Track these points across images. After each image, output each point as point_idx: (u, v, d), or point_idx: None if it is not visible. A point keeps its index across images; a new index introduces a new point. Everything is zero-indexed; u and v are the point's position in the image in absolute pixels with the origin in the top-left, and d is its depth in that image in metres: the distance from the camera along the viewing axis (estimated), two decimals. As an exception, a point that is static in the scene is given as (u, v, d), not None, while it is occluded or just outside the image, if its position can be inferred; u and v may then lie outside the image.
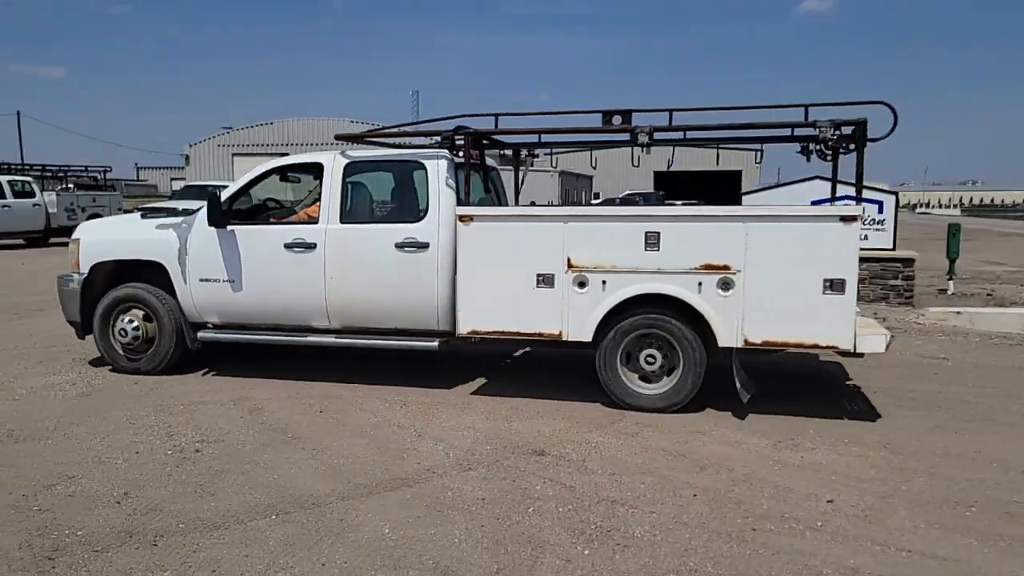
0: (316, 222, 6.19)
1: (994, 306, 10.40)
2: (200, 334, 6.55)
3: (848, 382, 6.54)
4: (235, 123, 53.45)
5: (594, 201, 43.97)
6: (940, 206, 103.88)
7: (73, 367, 6.83)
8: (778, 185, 12.25)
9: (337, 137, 6.71)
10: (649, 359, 5.64)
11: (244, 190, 6.57)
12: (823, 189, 11.29)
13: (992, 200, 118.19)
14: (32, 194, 21.34)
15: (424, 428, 5.19)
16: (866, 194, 11.11)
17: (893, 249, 11.11)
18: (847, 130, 5.54)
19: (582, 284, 5.58)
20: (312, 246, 6.14)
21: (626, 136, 5.91)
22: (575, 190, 55.00)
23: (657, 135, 5.83)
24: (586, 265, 5.56)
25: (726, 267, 5.31)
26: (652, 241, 5.43)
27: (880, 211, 11.12)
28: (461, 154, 6.04)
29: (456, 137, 6.00)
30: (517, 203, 7.68)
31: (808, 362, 7.28)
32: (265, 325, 6.47)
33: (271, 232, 6.33)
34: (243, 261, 6.32)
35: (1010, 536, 3.62)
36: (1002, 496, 4.09)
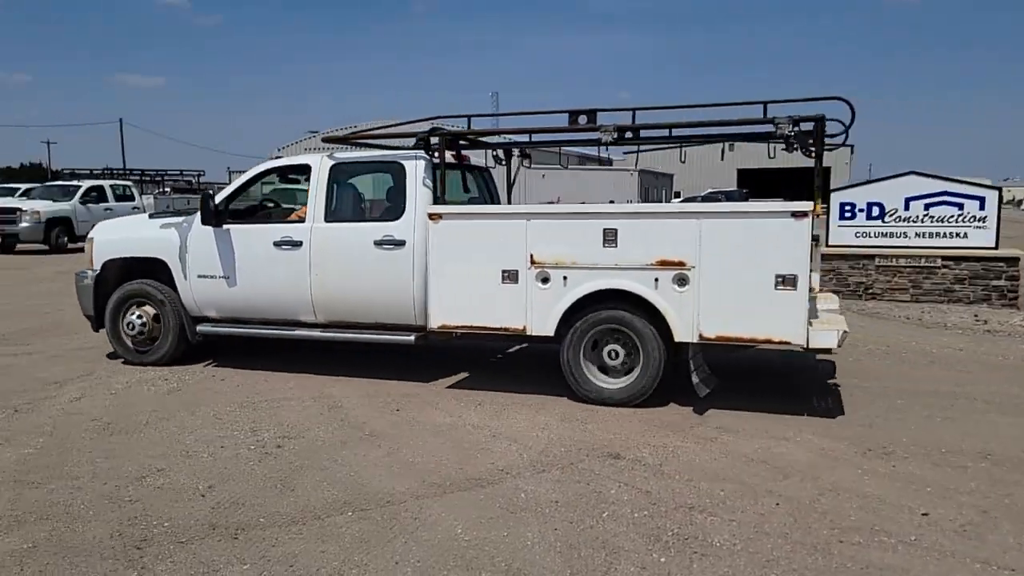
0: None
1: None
2: (199, 328, 6.90)
3: (948, 388, 6.19)
4: (321, 126, 54.93)
5: (675, 200, 43.29)
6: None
7: (168, 364, 7.10)
8: (869, 181, 11.75)
9: (324, 139, 6.88)
10: (612, 354, 5.73)
11: (240, 191, 6.87)
12: (920, 184, 10.80)
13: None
14: (132, 197, 22.48)
15: (498, 428, 5.17)
16: (966, 190, 10.66)
17: (996, 248, 10.51)
18: (806, 126, 5.49)
19: (545, 280, 5.70)
20: (299, 244, 6.42)
21: (593, 135, 6.04)
22: (655, 188, 54.28)
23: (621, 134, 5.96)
24: (548, 261, 5.68)
25: (681, 263, 5.36)
26: (610, 238, 5.51)
27: (981, 208, 10.54)
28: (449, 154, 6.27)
29: (431, 138, 6.18)
30: (509, 201, 7.78)
31: (904, 368, 6.94)
32: (258, 319, 6.78)
33: (262, 231, 6.64)
34: (237, 258, 6.64)
35: None
36: (1119, 514, 3.78)
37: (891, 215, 10.89)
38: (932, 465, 4.45)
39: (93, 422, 5.33)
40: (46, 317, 9.77)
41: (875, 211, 10.99)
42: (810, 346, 5.21)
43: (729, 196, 34.89)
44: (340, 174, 6.56)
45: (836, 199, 11.22)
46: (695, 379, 5.52)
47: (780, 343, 5.29)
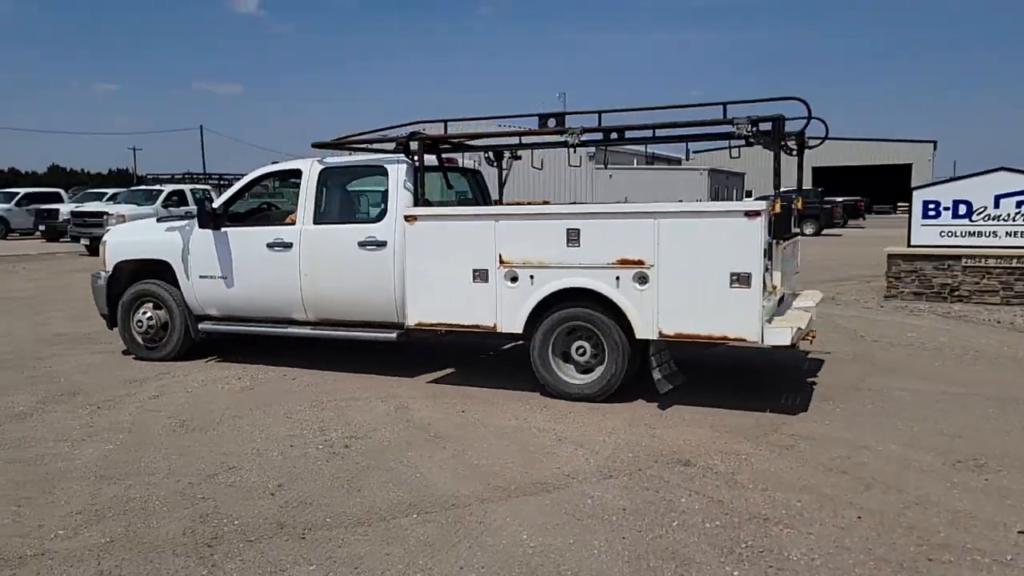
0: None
1: None
2: (201, 326, 7.26)
3: (1041, 396, 5.82)
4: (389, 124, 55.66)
5: (746, 199, 42.33)
6: None
7: (240, 362, 7.27)
8: (956, 178, 11.20)
9: (313, 145, 7.09)
10: (579, 350, 5.85)
11: (238, 195, 7.19)
12: (1011, 181, 10.23)
13: None
14: (210, 200, 23.20)
15: (564, 432, 5.09)
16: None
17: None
18: (765, 126, 5.53)
19: (513, 279, 5.85)
20: (289, 245, 6.70)
21: (561, 137, 6.21)
22: (725, 188, 53.23)
23: (587, 136, 6.18)
24: (516, 261, 5.82)
25: (640, 262, 5.44)
26: (573, 238, 5.63)
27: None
28: (434, 157, 6.61)
29: (411, 143, 6.36)
30: (501, 201, 7.85)
31: (997, 374, 6.56)
32: (255, 317, 7.07)
33: (256, 233, 6.92)
34: (234, 260, 6.96)
35: None
36: None
37: (979, 213, 10.34)
38: (1029, 479, 4.17)
39: (169, 419, 5.48)
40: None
41: (962, 209, 10.46)
42: (765, 343, 5.22)
43: (804, 195, 33.87)
44: (328, 178, 6.81)
45: (919, 197, 10.72)
46: (657, 375, 5.63)
47: (736, 340, 5.32)
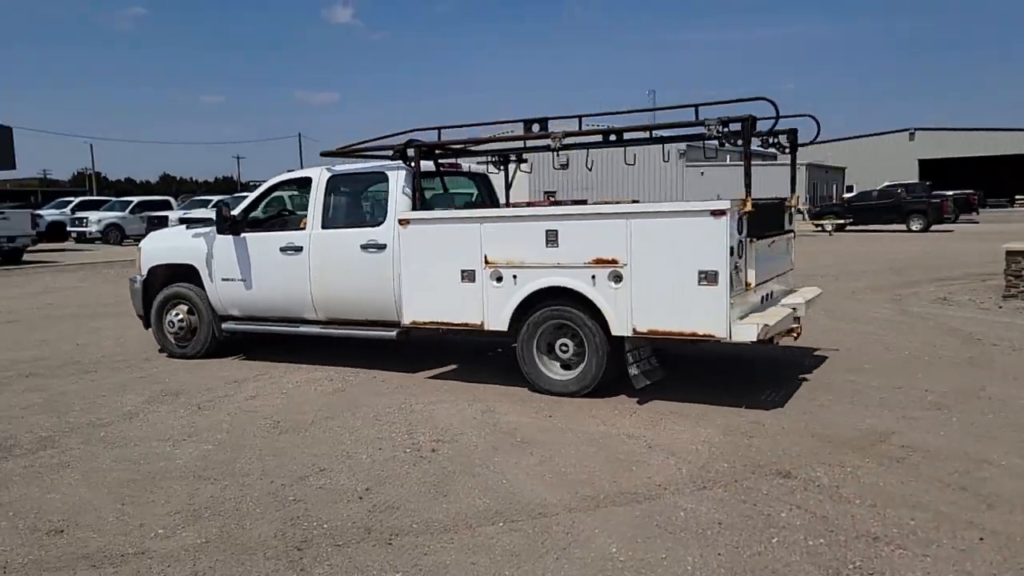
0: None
1: None
2: (224, 325, 7.69)
3: None
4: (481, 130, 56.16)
5: (846, 195, 40.53)
6: None
7: (332, 363, 7.40)
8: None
9: (321, 154, 7.56)
10: (562, 347, 6.03)
11: (256, 203, 7.63)
12: None
13: None
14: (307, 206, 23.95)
15: (655, 439, 4.92)
16: None
17: None
18: (735, 126, 5.62)
19: (498, 279, 6.06)
20: (300, 249, 7.08)
21: (545, 141, 6.48)
22: (825, 183, 51.22)
23: (569, 140, 6.45)
24: (500, 261, 6.04)
25: (614, 261, 5.58)
26: (552, 239, 5.81)
27: None
28: (442, 163, 7.04)
29: (407, 150, 6.60)
30: (508, 204, 7.99)
31: None
32: (272, 317, 7.47)
33: (271, 238, 7.33)
34: (252, 263, 7.37)
35: None
36: None
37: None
38: None
39: (265, 420, 5.61)
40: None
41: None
42: (732, 339, 5.30)
43: (909, 189, 32.15)
44: (336, 185, 7.17)
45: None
46: (633, 371, 5.75)
47: (705, 337, 5.40)
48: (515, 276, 5.99)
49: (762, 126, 5.97)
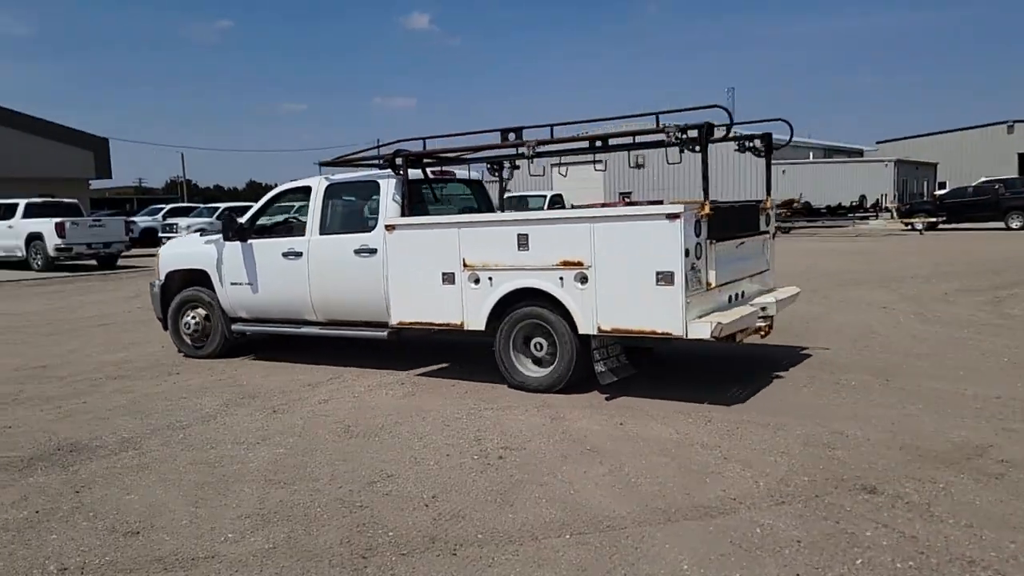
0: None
1: None
2: (233, 326, 8.12)
3: None
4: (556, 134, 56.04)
5: (937, 192, 38.66)
6: None
7: (403, 368, 7.44)
8: None
9: (319, 163, 8.01)
10: (537, 346, 6.31)
11: (262, 211, 8.00)
12: None
13: None
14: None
15: (731, 450, 4.73)
16: None
17: None
18: (692, 133, 5.78)
19: (476, 281, 6.36)
20: (300, 254, 7.48)
21: (520, 150, 6.73)
22: (915, 180, 49.05)
23: (542, 148, 6.65)
24: (477, 264, 6.35)
25: (580, 263, 5.86)
26: (523, 242, 6.10)
27: None
28: (430, 171, 7.36)
29: (396, 159, 6.94)
30: (503, 209, 8.50)
31: None
32: (276, 318, 7.88)
33: (274, 244, 7.71)
34: (257, 268, 7.79)
35: None
36: None
37: None
38: None
39: (336, 424, 5.66)
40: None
41: None
42: (688, 337, 5.50)
43: (1008, 184, 30.41)
44: (333, 193, 7.55)
45: None
46: (600, 368, 5.99)
47: (663, 335, 5.59)
48: (491, 278, 6.30)
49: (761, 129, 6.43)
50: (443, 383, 6.81)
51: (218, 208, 33.80)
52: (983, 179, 33.40)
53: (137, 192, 69.47)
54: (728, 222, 6.13)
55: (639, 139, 6.50)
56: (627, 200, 47.67)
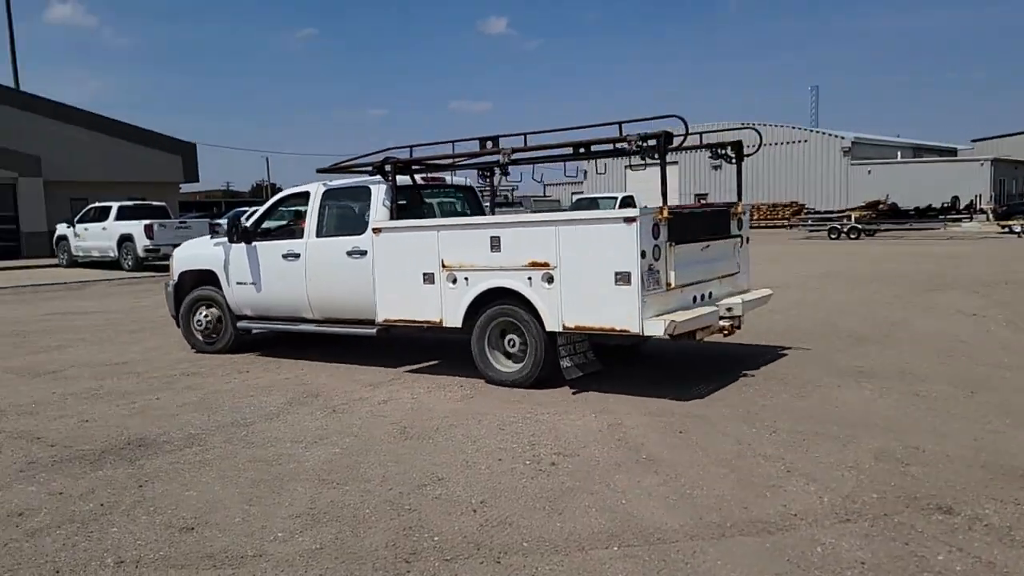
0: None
1: None
2: (239, 324, 8.61)
3: None
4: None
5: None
6: None
7: (463, 371, 7.41)
8: None
9: (317, 170, 8.31)
10: (510, 343, 6.66)
11: (266, 215, 8.51)
12: None
13: None
14: (455, 213, 24.55)
15: (796, 462, 4.51)
16: None
17: None
18: (652, 142, 6.09)
19: (454, 281, 6.73)
20: (298, 256, 7.94)
21: (496, 157, 7.15)
22: (1013, 180, 46.47)
23: (517, 155, 7.10)
24: (454, 265, 6.72)
25: (546, 264, 6.19)
26: (495, 244, 6.45)
27: None
28: (419, 178, 7.83)
29: (385, 166, 7.32)
30: (494, 212, 8.96)
31: None
32: (277, 316, 8.36)
33: (275, 246, 8.18)
34: (260, 269, 8.26)
35: None
36: None
37: None
38: None
39: (392, 425, 5.67)
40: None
41: None
42: (644, 334, 5.80)
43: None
44: (329, 198, 7.99)
45: None
46: (565, 364, 6.33)
47: (621, 331, 5.89)
48: (467, 278, 6.66)
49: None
50: (499, 387, 6.74)
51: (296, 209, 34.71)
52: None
53: (225, 195, 72.03)
54: (691, 226, 6.46)
55: (616, 148, 6.71)
56: (702, 202, 46.82)
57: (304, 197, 8.15)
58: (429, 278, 6.87)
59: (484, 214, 8.64)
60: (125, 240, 22.43)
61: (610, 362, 7.01)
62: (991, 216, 30.39)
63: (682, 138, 6.32)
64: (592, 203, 23.36)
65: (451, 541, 3.67)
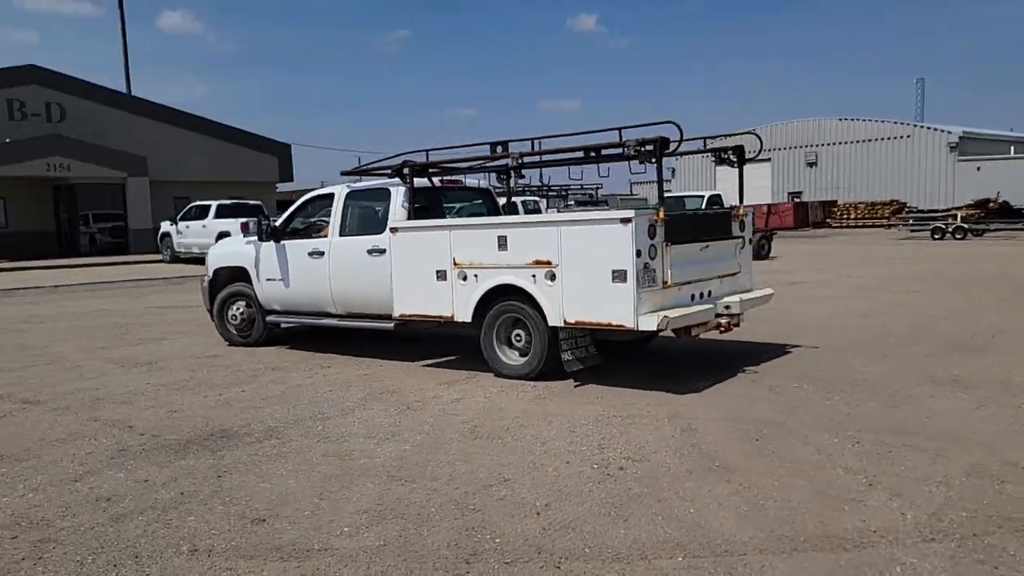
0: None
1: None
2: (268, 318, 9.13)
3: None
4: (720, 134, 54.15)
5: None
6: None
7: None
8: None
9: (342, 173, 8.94)
10: (517, 337, 7.00)
11: (294, 215, 8.98)
12: None
13: None
14: (538, 211, 24.57)
15: (879, 476, 4.28)
16: None
17: None
18: (649, 147, 6.29)
19: (464, 278, 7.10)
20: (323, 254, 8.38)
21: (506, 161, 7.51)
22: None
23: (527, 159, 7.41)
24: (464, 263, 7.08)
25: (549, 262, 6.51)
26: (502, 243, 6.81)
27: None
28: (438, 180, 8.45)
29: (403, 169, 7.69)
30: (508, 212, 9.10)
31: None
32: (303, 311, 8.82)
33: (302, 244, 8.65)
34: (289, 266, 8.72)
35: None
36: None
37: None
38: None
39: (463, 424, 5.69)
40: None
41: None
42: (639, 329, 6.10)
43: None
44: (352, 199, 8.42)
45: None
46: (566, 357, 6.62)
47: (618, 327, 6.19)
48: (476, 275, 7.01)
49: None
50: (573, 388, 6.68)
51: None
52: None
53: (318, 194, 74.31)
54: (689, 227, 6.79)
55: (602, 152, 7.04)
56: (796, 200, 45.25)
57: (329, 198, 8.57)
58: (442, 275, 7.23)
59: (500, 213, 9.00)
60: (223, 237, 23.35)
61: (684, 365, 6.85)
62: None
63: (677, 143, 6.45)
64: (678, 201, 22.86)
65: (512, 543, 3.65)
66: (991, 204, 29.84)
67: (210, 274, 9.75)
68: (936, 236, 27.82)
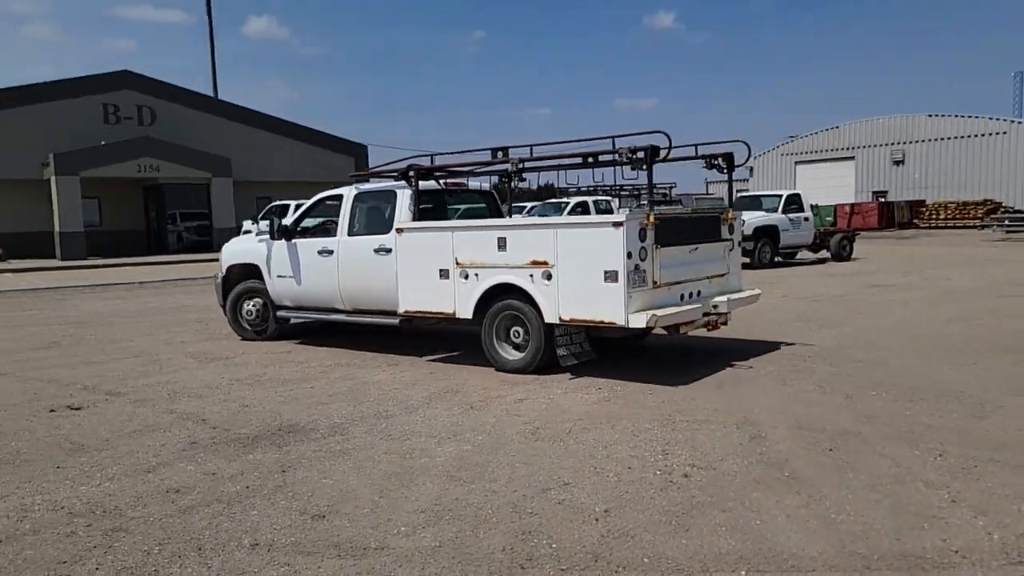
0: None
1: None
2: (279, 313, 9.54)
3: None
4: (800, 131, 52.66)
5: None
6: None
7: (600, 374, 7.27)
8: None
9: (350, 176, 9.40)
10: (515, 334, 7.35)
11: (305, 214, 9.33)
12: None
13: None
14: (610, 211, 24.29)
15: (963, 492, 4.02)
16: None
17: None
18: (640, 154, 6.71)
19: (465, 277, 7.46)
20: (331, 252, 8.75)
21: (506, 165, 7.89)
22: None
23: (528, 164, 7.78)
24: (466, 263, 7.45)
25: (545, 263, 6.86)
26: (502, 244, 7.17)
27: None
28: (444, 182, 8.74)
29: (409, 172, 8.11)
30: (510, 215, 9.73)
31: None
32: (313, 307, 9.19)
33: (312, 243, 9.02)
34: (300, 263, 9.11)
35: None
36: None
37: None
38: None
39: (525, 425, 5.64)
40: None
41: None
42: (629, 326, 6.46)
43: None
44: (360, 200, 8.77)
45: None
46: (562, 352, 7.10)
47: (610, 324, 6.56)
48: (477, 274, 7.37)
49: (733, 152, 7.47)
50: (640, 390, 6.55)
51: (457, 209, 35.76)
52: None
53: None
54: (678, 230, 7.05)
55: (599, 159, 7.35)
56: (881, 200, 43.50)
57: (338, 199, 8.91)
58: (444, 274, 7.59)
59: (503, 215, 9.46)
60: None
61: (757, 370, 6.62)
62: None
63: (667, 151, 6.77)
64: (755, 200, 22.22)
65: (569, 550, 3.57)
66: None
67: (223, 271, 10.08)
68: (1034, 237, 26.30)
